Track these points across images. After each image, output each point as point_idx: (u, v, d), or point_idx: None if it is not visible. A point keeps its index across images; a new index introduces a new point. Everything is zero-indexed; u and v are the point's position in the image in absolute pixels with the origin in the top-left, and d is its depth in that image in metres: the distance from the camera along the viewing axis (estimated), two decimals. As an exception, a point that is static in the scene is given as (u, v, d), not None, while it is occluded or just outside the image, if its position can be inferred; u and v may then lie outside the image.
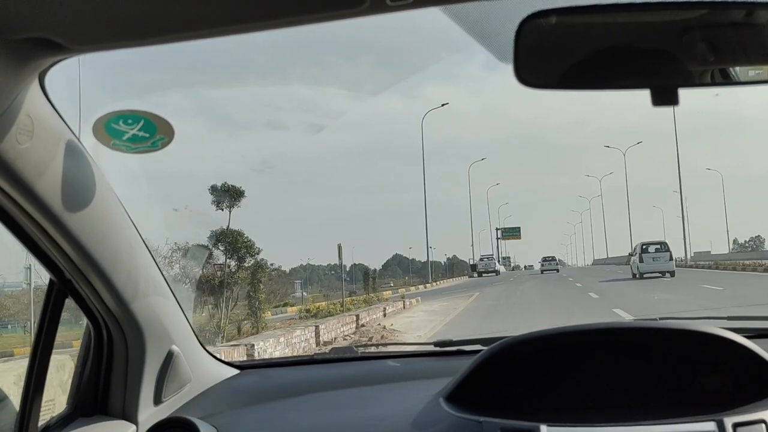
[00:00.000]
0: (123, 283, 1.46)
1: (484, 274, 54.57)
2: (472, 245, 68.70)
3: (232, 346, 9.98)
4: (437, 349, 2.07)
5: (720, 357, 1.42)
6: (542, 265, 52.49)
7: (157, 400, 1.63)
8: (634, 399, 1.42)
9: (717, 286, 20.62)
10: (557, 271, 49.46)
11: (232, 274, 16.66)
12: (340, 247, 19.45)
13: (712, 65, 1.08)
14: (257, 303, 16.32)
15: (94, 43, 1.01)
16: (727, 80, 1.10)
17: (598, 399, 1.43)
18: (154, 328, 1.59)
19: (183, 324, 1.74)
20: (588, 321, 1.54)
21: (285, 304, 27.51)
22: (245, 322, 16.77)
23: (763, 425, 1.25)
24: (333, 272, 77.25)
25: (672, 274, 27.94)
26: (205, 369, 1.85)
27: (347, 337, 13.45)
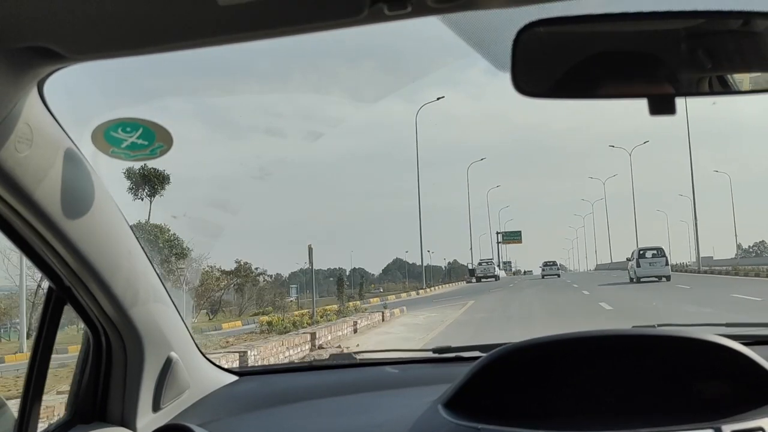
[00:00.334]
0: (122, 289, 1.46)
1: (483, 280, 51.61)
2: (471, 249, 65.39)
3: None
4: (436, 355, 2.07)
5: (718, 364, 1.42)
6: (543, 270, 51.85)
7: (156, 406, 1.63)
8: (632, 406, 1.42)
9: (754, 296, 17.57)
10: (558, 276, 48.86)
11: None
12: (310, 249, 17.08)
13: (709, 74, 1.08)
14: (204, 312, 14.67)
15: (92, 52, 1.01)
16: (725, 89, 1.10)
17: (597, 406, 1.43)
18: (152, 335, 1.59)
19: (182, 330, 1.74)
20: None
21: (258, 313, 22.90)
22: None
23: None
24: (332, 277, 77.19)
25: (668, 278, 29.10)
26: (204, 375, 1.85)
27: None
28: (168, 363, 1.65)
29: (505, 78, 1.03)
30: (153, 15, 0.92)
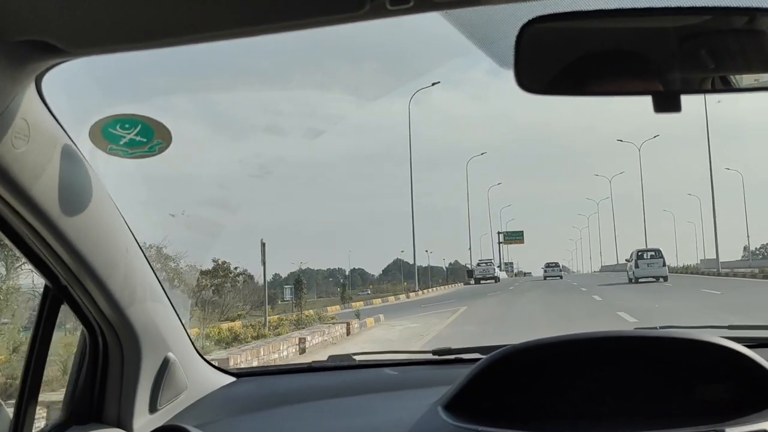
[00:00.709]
0: (119, 289, 1.45)
1: (482, 281, 47.84)
2: (470, 249, 61.24)
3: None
4: (436, 357, 2.05)
5: (721, 366, 1.41)
6: (545, 272, 51.11)
7: (153, 407, 1.61)
8: (634, 408, 1.42)
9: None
10: (560, 277, 48.20)
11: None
12: (263, 244, 14.55)
13: (714, 72, 1.08)
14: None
15: (92, 47, 1.01)
16: (729, 87, 1.09)
17: (598, 408, 1.42)
18: (150, 335, 1.58)
19: (179, 331, 1.73)
20: None
21: (225, 319, 18.39)
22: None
23: None
24: (331, 278, 77.12)
25: (665, 279, 29.97)
26: (202, 376, 1.84)
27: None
28: (165, 363, 1.64)
29: (508, 77, 1.02)
30: (152, 9, 0.92)
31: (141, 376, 1.57)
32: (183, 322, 1.76)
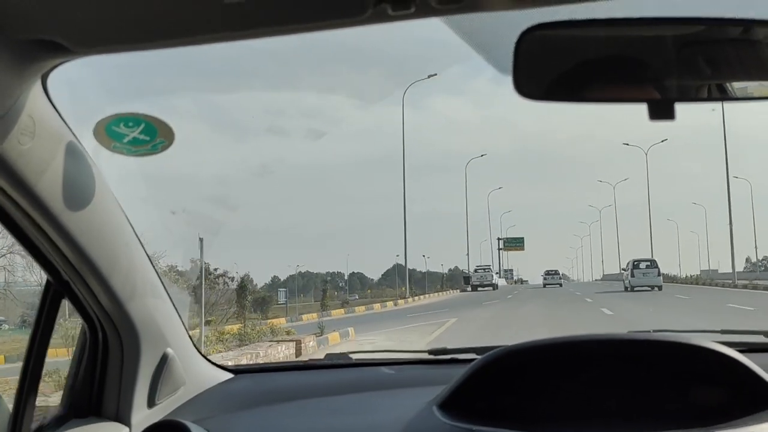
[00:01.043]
0: (120, 284, 1.46)
1: (479, 288, 45.87)
2: (467, 254, 58.89)
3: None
4: (431, 356, 2.07)
5: (713, 371, 1.42)
6: (545, 279, 50.53)
7: (151, 402, 1.63)
8: (627, 411, 1.43)
9: None
10: (560, 285, 47.97)
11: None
12: (201, 240, 12.16)
13: (709, 80, 1.09)
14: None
15: (98, 46, 1.02)
16: (724, 96, 1.11)
17: (592, 410, 1.44)
18: (149, 331, 1.59)
19: (178, 327, 1.75)
20: None
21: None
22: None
23: None
24: (330, 281, 76.82)
25: (660, 288, 30.97)
26: (200, 372, 1.85)
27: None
28: (164, 359, 1.66)
29: (509, 84, 1.04)
30: (158, 10, 0.93)
31: (140, 371, 1.58)
32: (182, 318, 1.78)
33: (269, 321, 18.55)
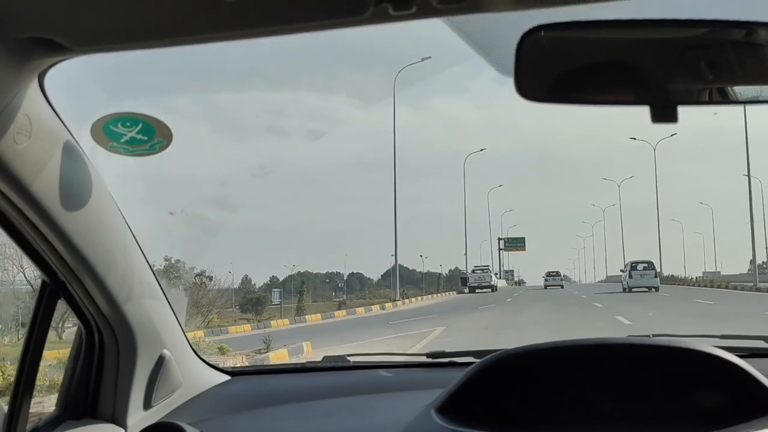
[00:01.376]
0: (117, 285, 1.45)
1: (477, 290, 42.76)
2: (465, 253, 54.41)
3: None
4: (429, 360, 2.06)
5: (712, 375, 1.42)
6: (546, 281, 49.42)
7: (147, 404, 1.62)
8: (626, 415, 1.42)
9: None
10: (561, 286, 47.13)
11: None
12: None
13: (712, 84, 1.09)
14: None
15: (95, 45, 1.01)
16: (727, 99, 1.10)
17: (591, 414, 1.43)
18: (146, 332, 1.58)
19: (175, 328, 1.74)
20: None
21: None
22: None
23: None
24: (328, 280, 76.69)
25: (657, 289, 31.48)
26: (196, 374, 1.85)
27: None
28: (160, 361, 1.65)
29: (511, 86, 1.03)
30: (157, 8, 0.92)
31: (136, 373, 1.58)
32: (179, 320, 1.77)
33: (273, 323, 18.24)
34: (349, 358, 2.11)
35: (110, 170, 1.43)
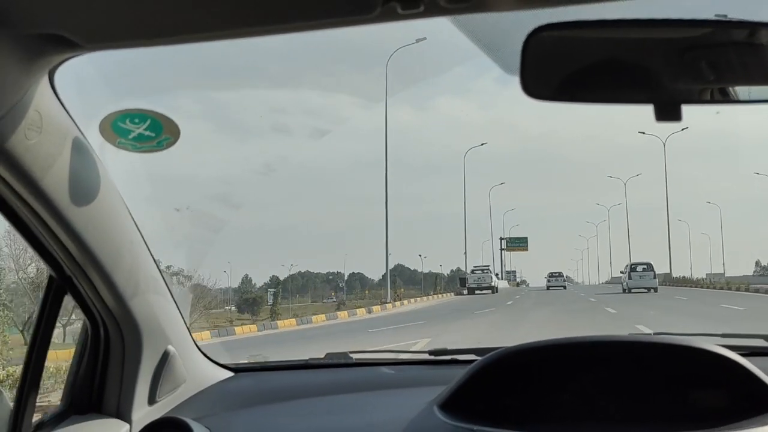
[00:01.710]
0: (123, 281, 1.46)
1: (477, 292, 39.64)
2: (465, 253, 51.41)
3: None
4: (432, 357, 2.07)
5: (714, 373, 1.43)
6: (548, 282, 48.14)
7: (152, 399, 1.63)
8: (628, 412, 1.43)
9: None
10: (564, 287, 45.72)
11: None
12: None
13: (715, 83, 1.10)
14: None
15: (105, 42, 1.02)
16: (730, 98, 1.12)
17: (593, 411, 1.44)
18: (151, 328, 1.59)
19: (180, 324, 1.75)
20: None
21: None
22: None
23: None
24: (331, 278, 76.42)
25: (655, 290, 31.67)
26: (200, 370, 1.86)
27: None
28: (165, 356, 1.66)
29: (515, 85, 1.04)
30: (166, 6, 0.93)
31: (141, 368, 1.59)
32: (183, 316, 1.78)
33: (280, 323, 17.32)
34: (351, 355, 2.12)
35: (117, 167, 1.44)
